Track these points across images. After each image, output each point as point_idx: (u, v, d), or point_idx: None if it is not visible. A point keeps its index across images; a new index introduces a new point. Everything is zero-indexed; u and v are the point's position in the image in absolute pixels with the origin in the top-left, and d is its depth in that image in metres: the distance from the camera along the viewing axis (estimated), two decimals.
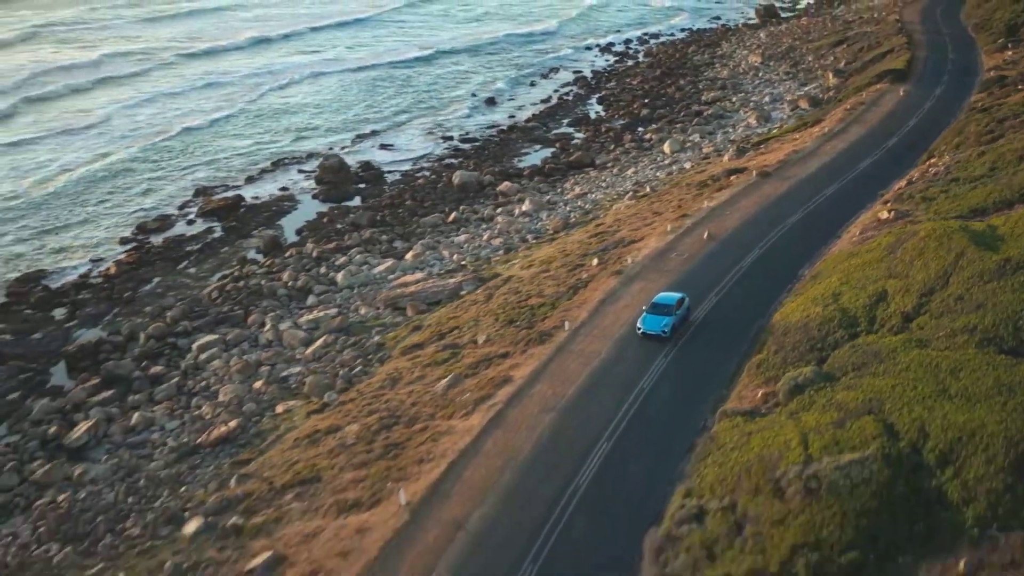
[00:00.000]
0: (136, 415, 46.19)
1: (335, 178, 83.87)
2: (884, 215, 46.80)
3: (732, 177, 60.70)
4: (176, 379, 50.00)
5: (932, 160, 57.14)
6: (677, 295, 41.24)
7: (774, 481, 25.95)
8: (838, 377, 31.85)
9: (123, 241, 72.47)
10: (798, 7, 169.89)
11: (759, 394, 33.47)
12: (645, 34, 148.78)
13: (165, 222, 76.24)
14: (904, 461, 25.14)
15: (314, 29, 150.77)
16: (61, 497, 40.38)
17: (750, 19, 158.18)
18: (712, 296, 43.41)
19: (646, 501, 28.85)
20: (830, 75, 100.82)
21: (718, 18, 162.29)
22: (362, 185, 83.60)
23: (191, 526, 34.64)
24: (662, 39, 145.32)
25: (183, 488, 39.05)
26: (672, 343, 39.06)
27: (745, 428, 30.32)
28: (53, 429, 45.99)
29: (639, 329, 39.29)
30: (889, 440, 25.96)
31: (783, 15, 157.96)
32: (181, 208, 79.47)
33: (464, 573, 26.83)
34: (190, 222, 76.57)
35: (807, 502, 24.58)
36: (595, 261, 50.65)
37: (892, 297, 35.59)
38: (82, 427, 45.75)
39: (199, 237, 73.16)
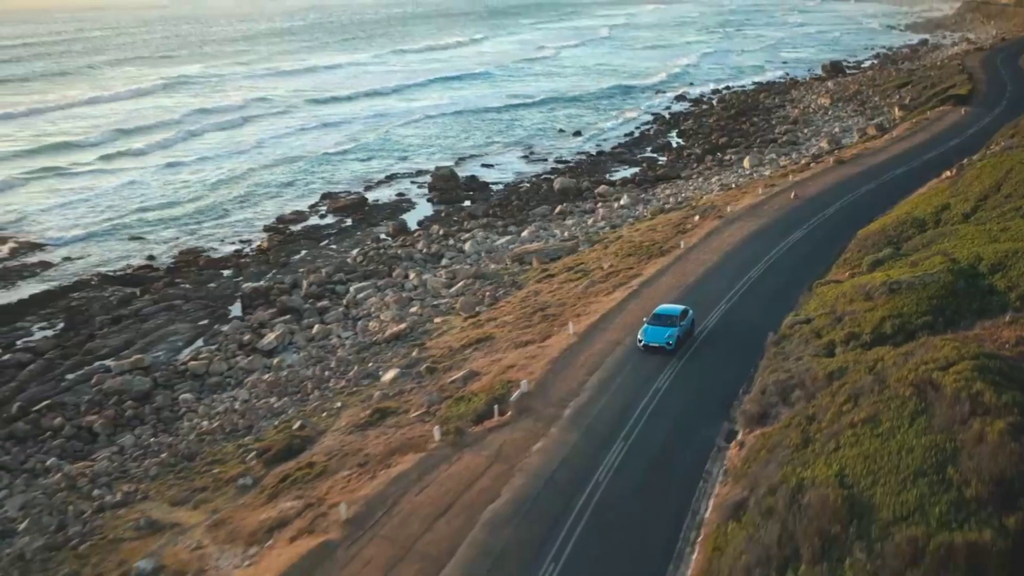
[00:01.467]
0: (316, 327, 56.29)
1: (446, 185, 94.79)
2: (948, 174, 55.79)
3: (812, 164, 70.07)
4: (341, 309, 60.06)
5: (991, 148, 66.02)
6: (680, 307, 39.40)
7: (864, 293, 34.94)
8: (911, 253, 40.77)
9: (266, 229, 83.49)
10: (863, 65, 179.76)
11: (846, 274, 42.44)
12: (726, 87, 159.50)
13: (300, 216, 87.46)
14: (964, 271, 34.02)
15: (421, 84, 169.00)
16: (266, 376, 50.29)
17: (817, 75, 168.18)
18: (803, 229, 52.68)
19: (760, 330, 37.70)
20: (896, 109, 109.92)
21: (787, 74, 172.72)
22: (470, 192, 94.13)
23: (388, 375, 44.18)
24: (733, 89, 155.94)
25: (371, 363, 48.72)
26: (775, 252, 48.19)
27: (837, 286, 39.32)
28: (247, 337, 56.25)
29: (640, 342, 37.10)
30: (952, 263, 34.88)
31: (849, 72, 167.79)
32: (312, 207, 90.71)
33: (625, 364, 36.01)
34: (322, 216, 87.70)
35: (891, 297, 33.51)
36: (697, 217, 60.17)
37: (954, 205, 44.62)
38: (271, 335, 55.93)
39: (333, 226, 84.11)
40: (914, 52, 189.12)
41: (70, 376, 53.28)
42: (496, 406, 32.55)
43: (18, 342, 58.82)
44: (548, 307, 46.66)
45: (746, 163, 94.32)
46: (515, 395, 33.17)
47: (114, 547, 33.28)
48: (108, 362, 54.30)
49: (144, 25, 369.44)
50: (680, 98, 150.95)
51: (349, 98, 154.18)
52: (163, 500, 36.89)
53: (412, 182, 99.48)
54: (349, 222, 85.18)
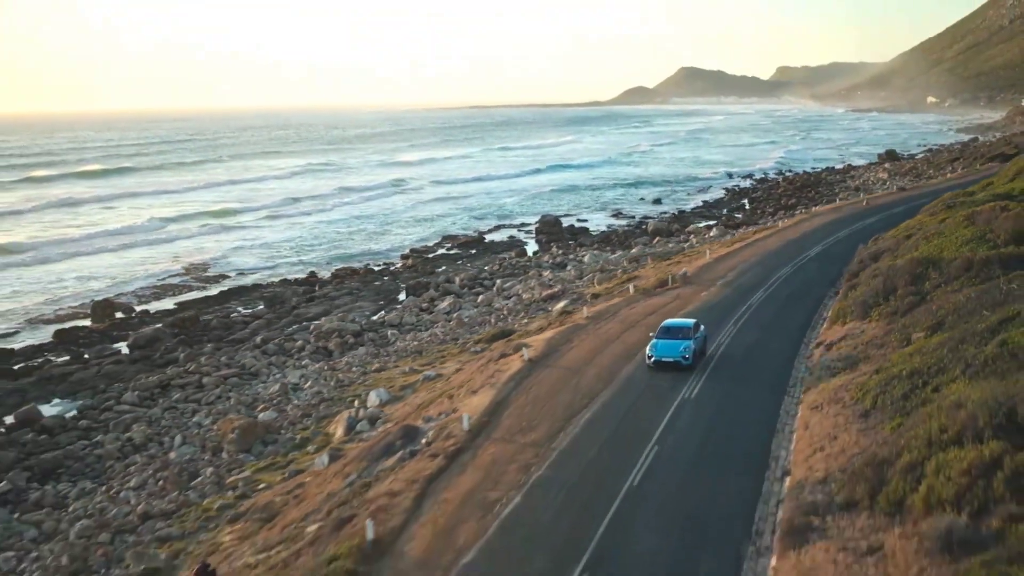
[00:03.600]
0: (480, 297, 71.13)
1: (551, 229, 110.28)
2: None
3: (878, 192, 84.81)
4: (493, 291, 74.84)
5: None
6: (691, 320, 36.96)
7: (928, 213, 49.27)
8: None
9: (403, 256, 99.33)
10: (916, 157, 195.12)
11: None
12: (789, 170, 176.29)
13: (429, 248, 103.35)
14: (1003, 195, 48.30)
15: (526, 171, 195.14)
16: (452, 321, 64.87)
17: (873, 162, 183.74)
18: (874, 217, 67.13)
19: (848, 257, 51.84)
20: (948, 175, 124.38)
21: (842, 161, 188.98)
22: (572, 236, 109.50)
23: (559, 305, 58.42)
24: (796, 171, 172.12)
25: (536, 309, 63.14)
26: (855, 226, 62.50)
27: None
28: (425, 305, 71.17)
29: (649, 359, 34.43)
30: (995, 194, 49.22)
31: (903, 160, 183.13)
32: (436, 244, 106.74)
33: (756, 265, 50.35)
34: (448, 249, 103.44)
35: (948, 211, 47.81)
36: (787, 220, 74.77)
37: (996, 181, 59.00)
38: (443, 303, 70.77)
39: (460, 254, 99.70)
40: (964, 147, 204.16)
41: (288, 329, 68.06)
42: (669, 278, 46.93)
43: (232, 313, 74.05)
44: (678, 262, 61.10)
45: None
46: (679, 274, 47.57)
47: (390, 380, 47.64)
48: (317, 321, 69.13)
49: (240, 132, 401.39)
50: (748, 177, 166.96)
51: (465, 180, 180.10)
52: (412, 365, 51.30)
53: (519, 229, 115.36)
54: (473, 251, 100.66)
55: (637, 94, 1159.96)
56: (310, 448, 38.53)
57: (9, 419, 49.53)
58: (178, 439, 44.35)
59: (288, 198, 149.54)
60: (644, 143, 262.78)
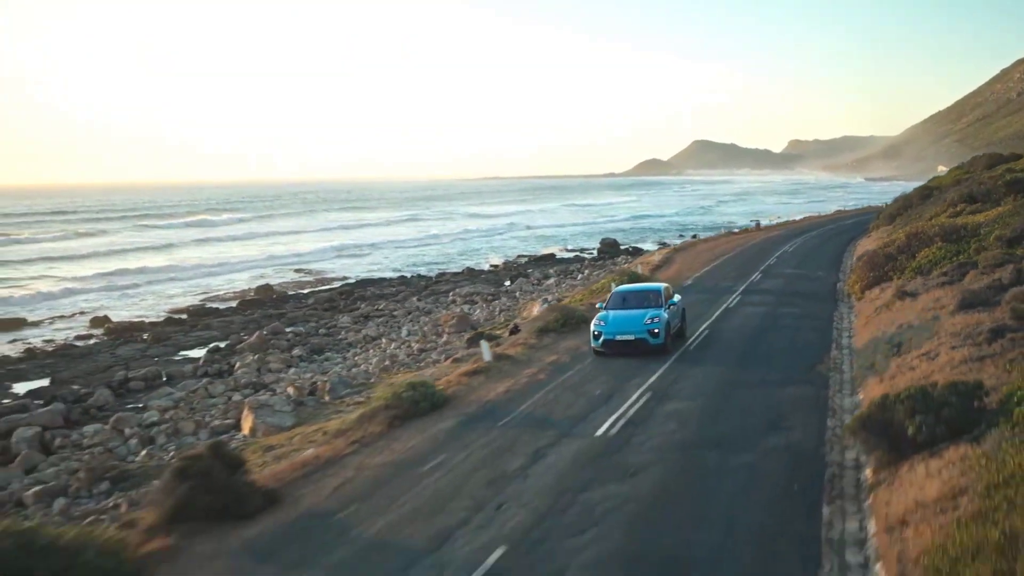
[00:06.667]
0: (579, 276, 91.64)
1: (610, 249, 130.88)
2: None
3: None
4: (584, 274, 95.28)
5: None
6: (660, 284, 31.18)
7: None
8: None
9: (492, 266, 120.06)
10: None
11: None
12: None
13: (505, 263, 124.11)
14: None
15: (595, 221, 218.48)
16: (563, 286, 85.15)
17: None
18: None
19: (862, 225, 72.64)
20: None
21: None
22: (630, 254, 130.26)
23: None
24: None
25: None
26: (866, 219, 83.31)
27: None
28: (535, 281, 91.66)
29: (596, 337, 27.55)
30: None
31: None
32: (508, 261, 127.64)
33: (801, 226, 71.02)
34: (521, 264, 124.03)
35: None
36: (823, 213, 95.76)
37: None
38: (549, 281, 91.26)
39: (533, 264, 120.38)
40: None
41: (429, 297, 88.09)
42: (747, 227, 67.58)
43: (367, 291, 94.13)
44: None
45: None
46: (753, 225, 68.27)
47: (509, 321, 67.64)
48: (452, 291, 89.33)
49: (295, 195, 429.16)
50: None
51: (549, 225, 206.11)
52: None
53: (582, 251, 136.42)
54: (548, 263, 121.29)
55: (651, 166, 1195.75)
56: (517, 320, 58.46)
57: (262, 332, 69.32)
58: (404, 331, 64.40)
59: (403, 239, 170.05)
60: (705, 200, 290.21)
